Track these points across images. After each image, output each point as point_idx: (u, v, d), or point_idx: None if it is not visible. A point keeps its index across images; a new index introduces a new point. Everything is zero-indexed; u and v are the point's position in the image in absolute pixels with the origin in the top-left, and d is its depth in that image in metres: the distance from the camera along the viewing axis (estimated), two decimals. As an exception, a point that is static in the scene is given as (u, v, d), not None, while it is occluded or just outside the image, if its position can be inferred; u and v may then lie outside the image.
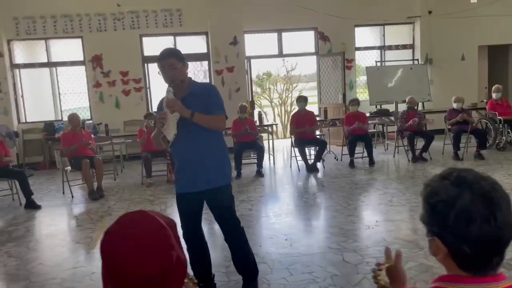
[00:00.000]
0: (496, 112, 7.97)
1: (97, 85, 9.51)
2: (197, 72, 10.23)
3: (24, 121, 9.50)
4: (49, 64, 9.58)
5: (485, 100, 8.92)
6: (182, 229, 3.11)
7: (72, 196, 6.45)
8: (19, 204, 6.10)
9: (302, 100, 7.52)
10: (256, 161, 7.35)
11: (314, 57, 10.42)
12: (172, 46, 2.85)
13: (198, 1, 9.53)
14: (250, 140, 7.30)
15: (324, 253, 3.70)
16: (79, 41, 9.44)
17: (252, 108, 9.81)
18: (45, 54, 9.47)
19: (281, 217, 4.87)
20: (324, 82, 10.20)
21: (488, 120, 8.14)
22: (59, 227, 5.10)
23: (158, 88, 9.95)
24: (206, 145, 2.89)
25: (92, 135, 7.48)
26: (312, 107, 12.02)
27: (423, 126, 7.66)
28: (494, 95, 8.12)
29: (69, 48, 9.59)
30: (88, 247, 4.26)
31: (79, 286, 3.40)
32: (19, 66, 9.39)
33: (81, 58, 9.49)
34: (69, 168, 6.64)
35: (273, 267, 3.48)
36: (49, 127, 9.25)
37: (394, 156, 8.03)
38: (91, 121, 9.38)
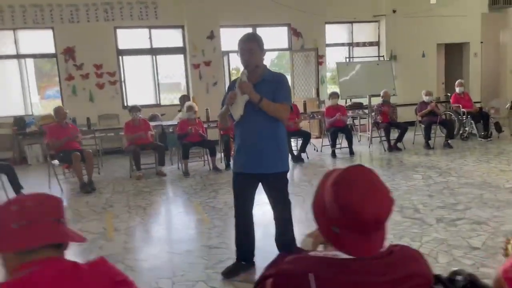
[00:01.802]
0: (460, 105, 8.64)
1: (70, 78, 9.23)
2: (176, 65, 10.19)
3: (-8, 115, 9.05)
4: (18, 56, 9.16)
5: (449, 94, 9.61)
6: (235, 207, 3.26)
7: (62, 190, 6.31)
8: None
9: None
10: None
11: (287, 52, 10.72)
12: (252, 32, 3.01)
13: (173, -6, 9.52)
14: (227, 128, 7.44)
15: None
16: (50, 32, 9.12)
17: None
18: (13, 45, 9.05)
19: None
20: (298, 77, 10.53)
21: (453, 112, 8.80)
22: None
23: (133, 81, 9.88)
24: (268, 131, 3.04)
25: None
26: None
27: (396, 118, 8.17)
28: (457, 89, 8.80)
29: (38, 40, 9.23)
30: (107, 237, 4.26)
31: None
32: (-15, 57, 8.93)
33: (52, 50, 9.17)
34: (56, 162, 6.46)
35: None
36: (20, 121, 8.88)
37: (369, 147, 8.50)
38: (63, 115, 9.10)
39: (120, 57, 9.58)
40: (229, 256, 3.52)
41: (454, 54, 11.93)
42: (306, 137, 7.60)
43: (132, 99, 9.73)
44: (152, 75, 10.00)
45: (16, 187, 5.78)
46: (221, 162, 7.43)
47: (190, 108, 7.19)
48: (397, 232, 3.86)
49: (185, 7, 9.47)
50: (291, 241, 3.28)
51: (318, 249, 1.38)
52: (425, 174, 5.97)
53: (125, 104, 9.71)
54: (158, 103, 10.00)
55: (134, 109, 7.24)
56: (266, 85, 3.02)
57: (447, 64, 12.11)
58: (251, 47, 2.96)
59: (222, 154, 7.40)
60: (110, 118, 9.40)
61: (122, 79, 9.65)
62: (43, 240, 1.16)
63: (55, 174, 6.44)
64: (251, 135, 3.05)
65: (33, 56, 9.29)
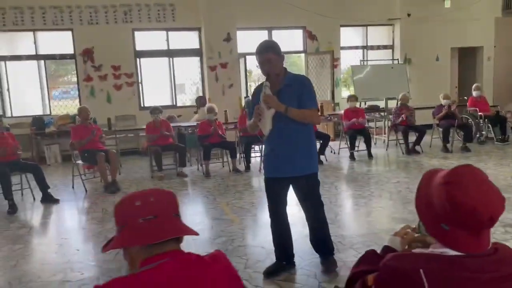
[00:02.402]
0: (477, 109, 8.67)
1: (88, 79, 9.31)
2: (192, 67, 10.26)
3: (10, 115, 9.13)
4: (37, 57, 9.24)
5: (466, 98, 9.64)
6: (269, 210, 3.31)
7: (86, 190, 6.36)
8: (33, 199, 5.95)
9: None
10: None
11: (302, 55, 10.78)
12: (269, 39, 3.02)
13: (191, -3, 9.60)
14: (258, 134, 7.48)
15: (377, 234, 4.01)
16: (69, 33, 9.20)
17: (247, 103, 9.97)
18: (33, 46, 9.13)
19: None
20: (312, 79, 10.54)
21: (469, 116, 8.83)
22: (98, 220, 5.01)
23: (150, 83, 9.96)
24: (296, 136, 3.08)
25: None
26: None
27: (414, 121, 8.20)
28: (474, 93, 8.84)
29: (57, 41, 9.31)
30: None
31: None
32: (5, 58, 9.00)
33: (71, 51, 9.25)
34: (80, 162, 6.52)
35: (337, 247, 3.73)
36: (38, 121, 8.96)
37: (386, 150, 8.53)
38: (81, 116, 9.18)
39: (138, 59, 9.66)
40: (267, 256, 3.56)
41: (467, 58, 11.96)
42: (325, 139, 7.64)
43: (149, 100, 9.81)
44: (168, 77, 10.07)
45: (43, 186, 5.83)
46: (239, 164, 7.47)
47: (211, 110, 7.25)
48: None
49: (203, 10, 9.54)
50: (327, 241, 3.33)
51: (412, 248, 1.42)
52: (448, 177, 5.98)
53: (142, 105, 9.79)
54: (174, 104, 10.06)
55: (156, 110, 7.29)
56: (289, 89, 3.04)
57: (460, 68, 12.13)
58: (269, 58, 2.97)
59: (242, 155, 7.43)
60: (127, 119, 9.46)
61: (139, 81, 9.72)
62: (169, 234, 1.21)
63: (79, 174, 6.49)
64: (280, 140, 3.08)
65: (52, 57, 9.37)
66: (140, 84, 9.75)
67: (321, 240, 3.35)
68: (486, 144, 8.57)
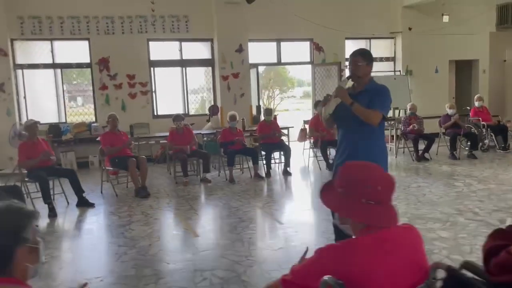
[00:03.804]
0: (480, 118, 9.14)
1: (103, 87, 9.48)
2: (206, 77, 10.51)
3: (26, 123, 9.20)
4: (54, 66, 9.38)
5: (468, 108, 10.12)
6: None
7: (116, 195, 6.53)
8: (67, 203, 6.09)
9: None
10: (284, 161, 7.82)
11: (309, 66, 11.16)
12: (361, 48, 3.44)
13: (204, 9, 9.89)
14: (277, 141, 7.78)
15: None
16: (85, 43, 9.38)
17: (258, 112, 10.27)
18: (50, 55, 9.28)
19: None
20: (318, 89, 10.95)
21: (473, 125, 9.29)
22: (143, 222, 5.16)
23: (162, 91, 10.17)
24: (359, 135, 3.36)
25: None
26: (306, 113, 12.79)
27: (423, 130, 8.60)
28: (476, 103, 9.32)
29: (73, 50, 9.47)
30: (192, 235, 4.54)
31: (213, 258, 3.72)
32: (22, 66, 9.12)
33: (87, 60, 9.43)
34: (109, 168, 6.69)
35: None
36: (55, 129, 9.07)
37: (396, 157, 8.90)
38: (96, 124, 9.34)
39: (152, 68, 9.88)
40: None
41: (464, 70, 12.52)
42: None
43: (162, 109, 10.02)
44: (181, 86, 10.31)
45: (79, 191, 6.00)
46: (257, 171, 7.70)
47: (233, 118, 7.51)
48: (468, 232, 4.23)
49: (216, 22, 9.85)
50: None
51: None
52: (465, 182, 6.38)
53: (155, 114, 9.98)
54: (187, 112, 10.29)
55: (178, 118, 7.52)
56: (366, 94, 3.33)
57: (457, 80, 12.68)
58: (356, 60, 3.30)
59: (263, 162, 7.68)
60: (141, 127, 9.62)
61: (153, 90, 9.93)
62: (392, 222, 1.47)
63: (109, 180, 6.66)
64: (345, 140, 3.37)
65: (69, 66, 9.52)
66: (154, 93, 9.95)
67: None
68: (489, 152, 9.02)
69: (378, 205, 1.46)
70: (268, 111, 7.95)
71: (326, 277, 1.31)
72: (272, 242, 4.25)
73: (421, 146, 8.50)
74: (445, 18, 11.56)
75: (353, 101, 3.25)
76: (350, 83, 3.37)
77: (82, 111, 10.00)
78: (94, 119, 9.60)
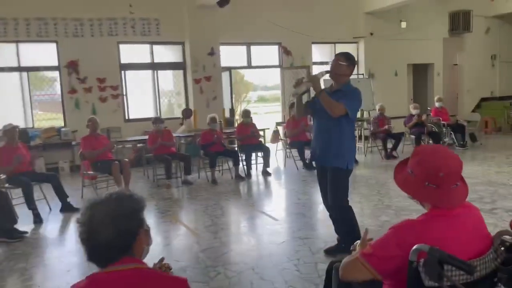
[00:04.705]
0: (440, 118, 9.77)
1: (72, 91, 9.25)
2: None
3: (-9, 128, 8.79)
4: (20, 69, 9.04)
5: (429, 108, 10.75)
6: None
7: (99, 199, 6.42)
8: (49, 209, 5.93)
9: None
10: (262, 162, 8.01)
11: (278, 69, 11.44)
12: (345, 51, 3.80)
13: (175, 13, 9.91)
14: (256, 143, 7.95)
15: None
16: (53, 45, 9.12)
17: (232, 115, 10.39)
18: (15, 57, 8.93)
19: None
20: (286, 92, 11.23)
21: (434, 124, 9.90)
22: None
23: (135, 95, 10.06)
24: (332, 130, 3.57)
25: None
26: (275, 115, 13.01)
27: (392, 129, 9.09)
28: (437, 104, 9.95)
29: (41, 53, 9.18)
30: (191, 234, 4.60)
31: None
32: (-14, 70, 8.74)
33: (56, 63, 9.16)
34: (90, 172, 6.58)
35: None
36: (23, 135, 8.71)
37: (365, 156, 9.33)
38: (66, 128, 9.09)
39: (123, 71, 9.75)
40: (326, 244, 4.01)
41: (420, 73, 13.29)
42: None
43: (134, 113, 9.91)
44: (152, 89, 10.24)
45: (62, 196, 5.87)
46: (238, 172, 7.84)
47: (214, 120, 7.59)
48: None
49: (187, 25, 9.89)
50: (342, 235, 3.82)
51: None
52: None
53: (127, 118, 9.86)
54: (159, 116, 10.21)
55: (158, 120, 7.53)
56: (340, 93, 3.58)
57: (415, 82, 13.44)
58: (339, 59, 3.60)
59: (243, 163, 7.81)
60: (113, 131, 9.46)
61: (125, 93, 9.80)
62: (445, 204, 1.65)
63: (92, 185, 6.55)
64: (320, 133, 3.66)
65: (36, 69, 9.21)
66: (125, 97, 9.82)
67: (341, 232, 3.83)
68: (449, 149, 9.63)
69: (438, 188, 1.66)
70: (247, 113, 8.10)
71: (418, 245, 1.49)
72: (273, 237, 4.40)
73: (389, 145, 8.97)
74: (403, 24, 12.26)
75: (322, 90, 3.48)
76: (326, 77, 3.66)
77: (51, 116, 9.67)
78: (63, 124, 9.33)
